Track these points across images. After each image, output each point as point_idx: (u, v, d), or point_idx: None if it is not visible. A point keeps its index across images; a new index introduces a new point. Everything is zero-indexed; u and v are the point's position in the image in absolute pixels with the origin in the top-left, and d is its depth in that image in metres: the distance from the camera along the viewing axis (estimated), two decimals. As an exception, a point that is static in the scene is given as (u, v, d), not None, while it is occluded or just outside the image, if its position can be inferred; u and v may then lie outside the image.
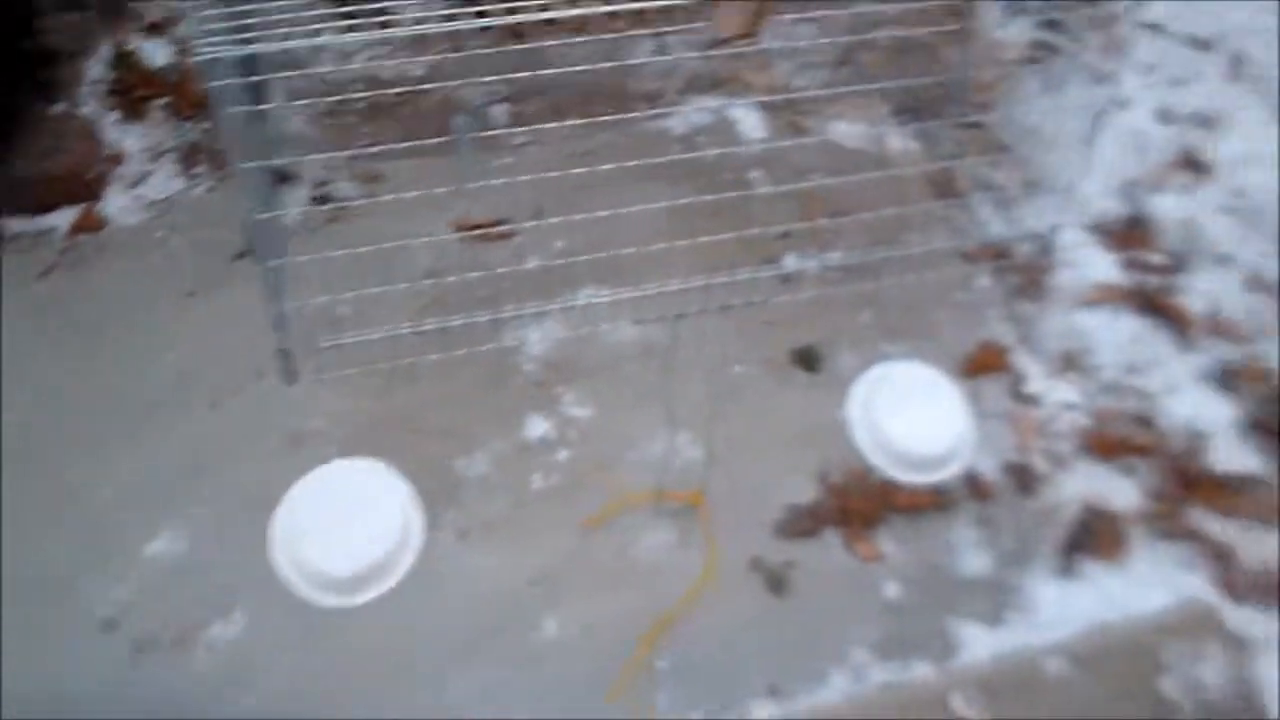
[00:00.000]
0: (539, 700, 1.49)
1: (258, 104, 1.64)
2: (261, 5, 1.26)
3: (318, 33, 1.26)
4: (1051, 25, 1.73)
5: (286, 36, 1.12)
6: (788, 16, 2.16)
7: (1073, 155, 2.13)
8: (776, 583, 1.62)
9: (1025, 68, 2.13)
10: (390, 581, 1.57)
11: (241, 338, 1.78)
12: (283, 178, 1.89)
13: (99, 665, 1.49)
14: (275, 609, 1.55)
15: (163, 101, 1.98)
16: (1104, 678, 1.45)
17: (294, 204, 1.90)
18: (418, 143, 1.72)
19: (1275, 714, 1.48)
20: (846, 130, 2.10)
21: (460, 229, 1.87)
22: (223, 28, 1.16)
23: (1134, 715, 1.46)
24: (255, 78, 1.50)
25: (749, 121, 2.08)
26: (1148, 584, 1.64)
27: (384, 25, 1.25)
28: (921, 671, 1.54)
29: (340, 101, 1.92)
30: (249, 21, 1.18)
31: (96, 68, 1.92)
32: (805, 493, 1.70)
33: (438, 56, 1.76)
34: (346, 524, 1.58)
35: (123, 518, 1.61)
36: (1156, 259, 2.03)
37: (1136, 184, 2.13)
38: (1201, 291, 1.99)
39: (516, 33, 1.56)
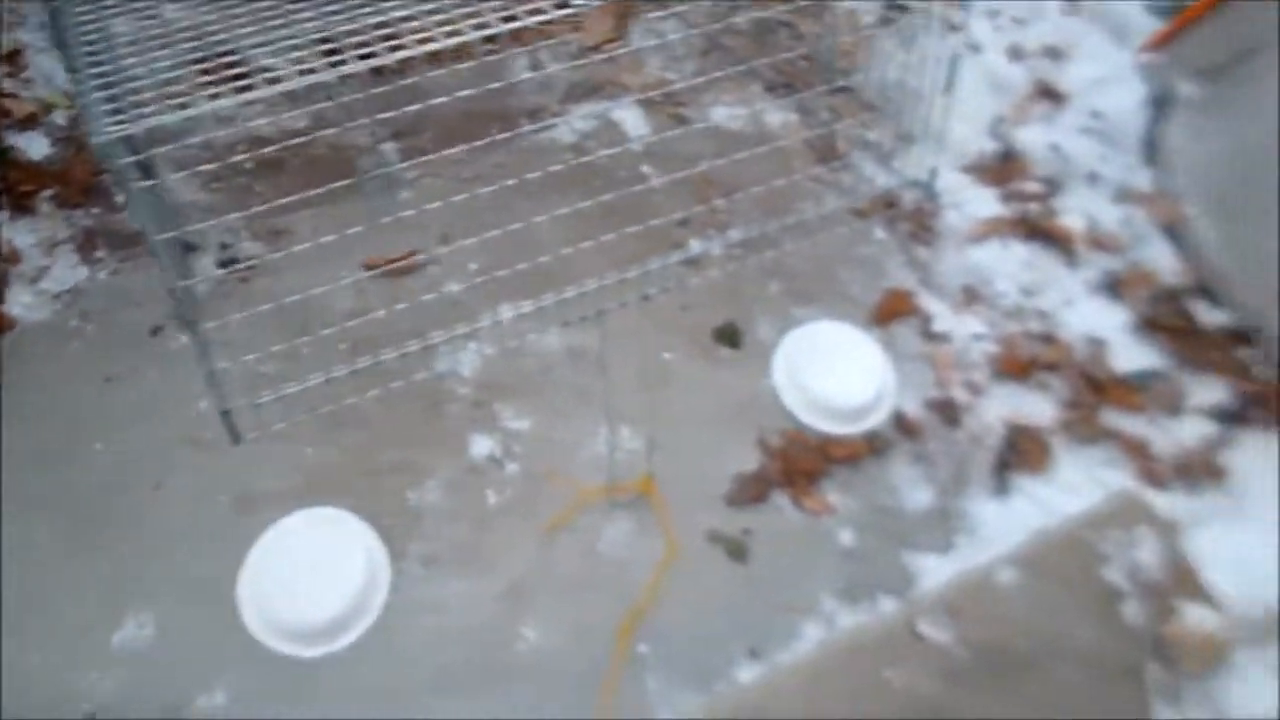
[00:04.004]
0: (533, 709, 1.53)
1: (150, 179, 1.64)
2: (139, 82, 1.28)
3: (192, 102, 1.29)
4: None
5: (176, 108, 1.14)
6: (651, 15, 2.23)
7: (938, 104, 2.25)
8: (737, 551, 1.68)
9: (881, 30, 2.24)
10: (367, 620, 1.59)
11: (168, 412, 1.78)
12: (187, 248, 1.89)
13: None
14: (258, 669, 1.55)
15: (49, 193, 1.96)
16: (1050, 577, 1.56)
17: (202, 272, 1.90)
18: (311, 192, 1.74)
19: (1209, 582, 1.60)
20: (725, 113, 2.19)
21: (373, 267, 1.90)
22: (110, 108, 1.18)
23: (1084, 604, 1.56)
24: (141, 155, 1.50)
25: (631, 120, 2.15)
26: (1076, 487, 1.76)
27: (243, 89, 1.27)
28: (887, 607, 1.63)
29: (227, 165, 1.93)
30: (136, 98, 1.20)
31: (-26, 170, 1.90)
32: (749, 461, 1.77)
33: (316, 106, 1.79)
34: (314, 573, 1.59)
35: (85, 612, 1.60)
36: (1032, 187, 2.16)
37: (1002, 120, 2.26)
38: (1077, 210, 2.12)
39: (393, 70, 1.60)
